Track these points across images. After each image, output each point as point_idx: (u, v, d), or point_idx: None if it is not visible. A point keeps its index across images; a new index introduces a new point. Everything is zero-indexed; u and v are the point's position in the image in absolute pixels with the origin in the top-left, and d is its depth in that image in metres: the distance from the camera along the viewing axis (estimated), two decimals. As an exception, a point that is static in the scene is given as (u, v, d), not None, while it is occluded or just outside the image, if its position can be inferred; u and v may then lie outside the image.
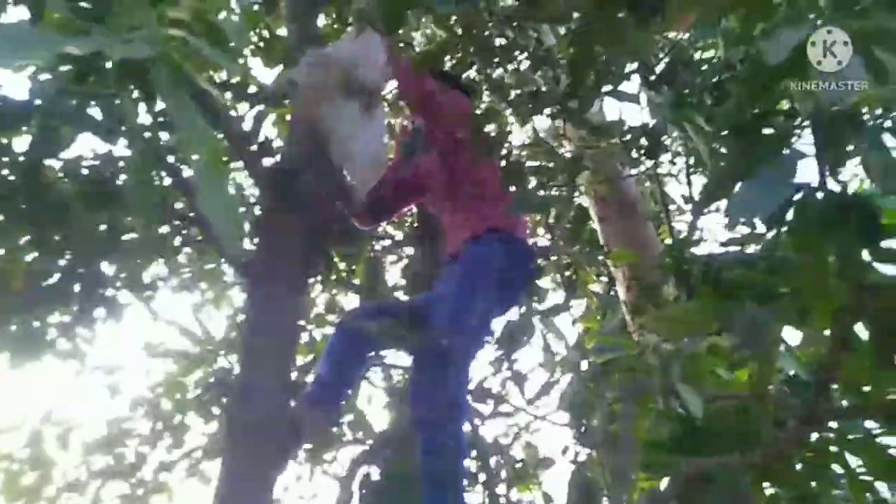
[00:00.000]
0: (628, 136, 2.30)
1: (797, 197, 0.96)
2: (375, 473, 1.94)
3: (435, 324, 1.78)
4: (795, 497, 1.32)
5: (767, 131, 1.05)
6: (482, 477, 2.60)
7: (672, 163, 3.35)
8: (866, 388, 1.19)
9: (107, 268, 1.96)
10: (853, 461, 1.29)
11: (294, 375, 2.21)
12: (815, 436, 1.30)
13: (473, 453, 2.58)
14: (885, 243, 0.98)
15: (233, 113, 2.94)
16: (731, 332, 1.29)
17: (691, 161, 2.62)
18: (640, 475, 1.56)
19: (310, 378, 2.88)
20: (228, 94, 2.99)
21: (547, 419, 2.97)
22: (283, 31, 3.12)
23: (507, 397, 3.25)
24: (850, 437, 1.27)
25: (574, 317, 4.06)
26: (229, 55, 0.75)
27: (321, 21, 3.02)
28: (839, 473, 1.31)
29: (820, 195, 0.95)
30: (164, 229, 2.21)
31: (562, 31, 2.52)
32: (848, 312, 1.02)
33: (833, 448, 1.29)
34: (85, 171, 1.68)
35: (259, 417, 1.44)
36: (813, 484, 1.30)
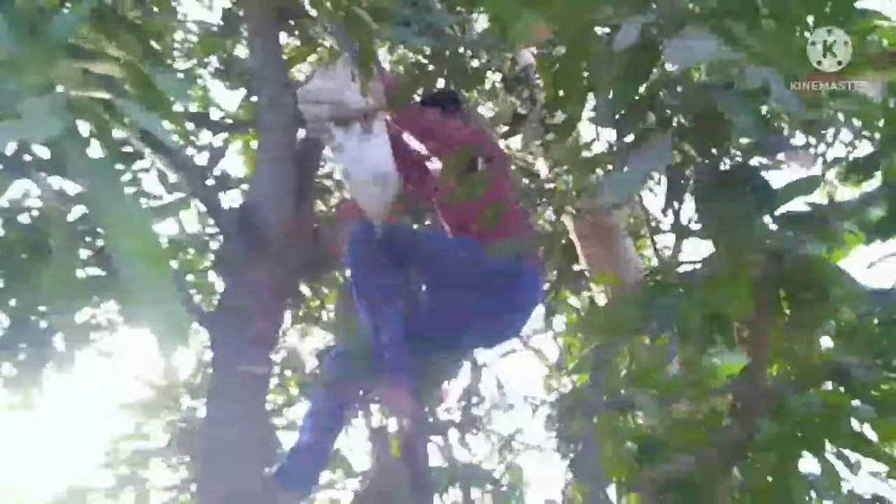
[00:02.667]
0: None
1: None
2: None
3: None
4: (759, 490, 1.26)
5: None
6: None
7: (650, 177, 3.30)
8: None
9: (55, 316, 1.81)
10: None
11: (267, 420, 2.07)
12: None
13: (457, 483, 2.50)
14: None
15: (194, 140, 2.81)
16: (655, 325, 1.27)
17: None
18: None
19: (281, 421, 2.73)
20: (189, 124, 2.85)
21: (535, 446, 2.88)
22: (242, 53, 3.00)
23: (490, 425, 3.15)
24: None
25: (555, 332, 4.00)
26: (166, 118, 0.62)
27: (284, 40, 2.91)
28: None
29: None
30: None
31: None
32: (763, 282, 1.01)
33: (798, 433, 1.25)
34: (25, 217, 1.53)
35: (229, 488, 1.30)
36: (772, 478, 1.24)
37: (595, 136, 2.83)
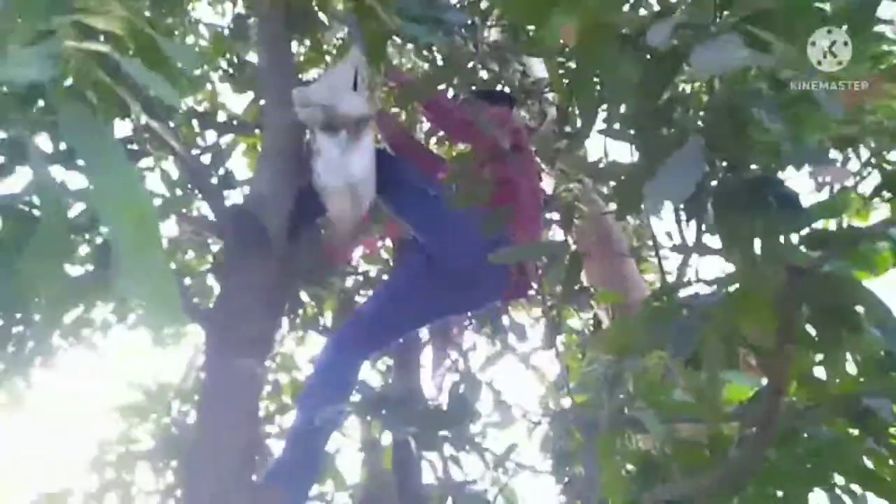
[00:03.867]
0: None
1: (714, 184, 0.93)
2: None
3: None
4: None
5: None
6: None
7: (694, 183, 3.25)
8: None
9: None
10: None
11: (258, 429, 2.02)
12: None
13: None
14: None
15: (199, 142, 2.78)
16: (669, 346, 1.23)
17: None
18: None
19: (273, 429, 2.68)
20: (195, 122, 2.83)
21: (529, 468, 2.81)
22: (253, 57, 2.99)
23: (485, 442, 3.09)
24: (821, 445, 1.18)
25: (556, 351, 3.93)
26: (172, 80, 0.58)
27: (297, 48, 2.90)
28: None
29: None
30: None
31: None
32: (786, 300, 0.95)
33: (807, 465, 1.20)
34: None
35: (216, 492, 1.25)
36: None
37: (604, 151, 2.80)
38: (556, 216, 2.75)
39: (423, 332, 2.96)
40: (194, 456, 1.34)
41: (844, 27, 0.96)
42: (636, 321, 1.21)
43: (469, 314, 2.76)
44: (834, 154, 0.89)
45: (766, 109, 0.73)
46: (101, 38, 0.61)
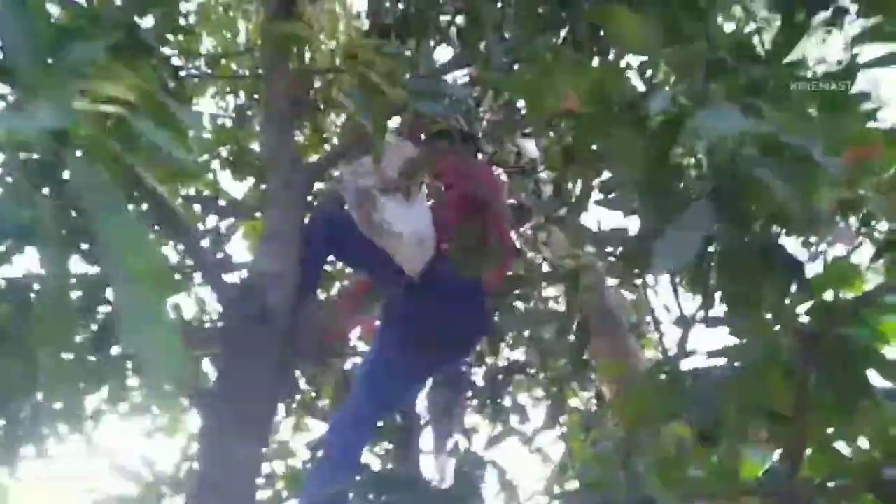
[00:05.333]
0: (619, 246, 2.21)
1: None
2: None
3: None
4: None
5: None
6: None
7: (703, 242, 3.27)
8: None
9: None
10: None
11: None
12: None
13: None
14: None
15: (200, 226, 2.81)
16: (687, 417, 1.19)
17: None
18: None
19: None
20: (197, 207, 2.87)
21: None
22: (254, 145, 3.08)
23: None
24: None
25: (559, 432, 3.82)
26: (179, 140, 0.59)
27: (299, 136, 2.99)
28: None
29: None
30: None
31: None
32: (799, 366, 0.94)
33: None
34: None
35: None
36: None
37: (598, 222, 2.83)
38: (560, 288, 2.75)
39: (424, 414, 2.88)
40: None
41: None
42: (648, 390, 1.19)
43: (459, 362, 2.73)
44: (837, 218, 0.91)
45: (773, 173, 0.75)
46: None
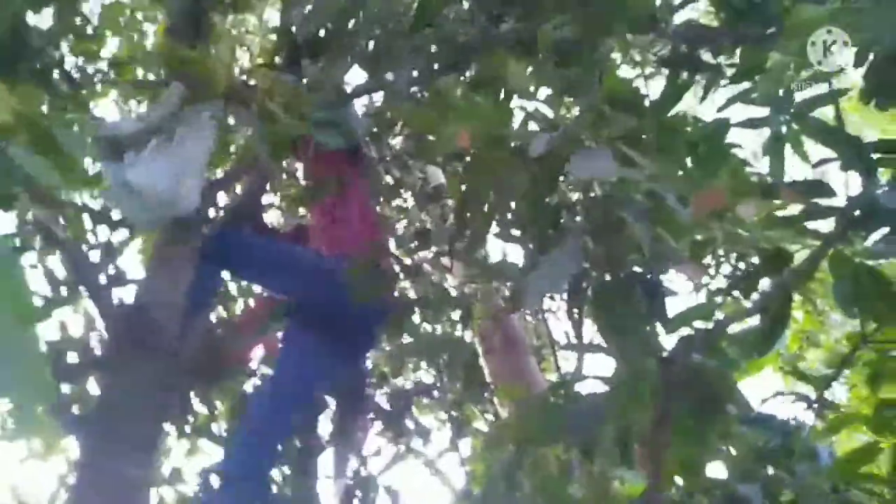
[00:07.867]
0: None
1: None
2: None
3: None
4: None
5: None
6: None
7: (551, 298, 3.42)
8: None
9: None
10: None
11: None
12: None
13: None
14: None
15: (90, 238, 2.67)
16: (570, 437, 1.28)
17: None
18: None
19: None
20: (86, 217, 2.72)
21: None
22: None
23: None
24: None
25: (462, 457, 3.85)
26: (65, 170, 0.57)
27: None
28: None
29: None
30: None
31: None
32: (659, 389, 1.03)
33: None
34: None
35: None
36: None
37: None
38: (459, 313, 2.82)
39: (324, 435, 2.84)
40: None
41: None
42: (534, 413, 1.25)
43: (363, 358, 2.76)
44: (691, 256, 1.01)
45: (633, 215, 0.83)
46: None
